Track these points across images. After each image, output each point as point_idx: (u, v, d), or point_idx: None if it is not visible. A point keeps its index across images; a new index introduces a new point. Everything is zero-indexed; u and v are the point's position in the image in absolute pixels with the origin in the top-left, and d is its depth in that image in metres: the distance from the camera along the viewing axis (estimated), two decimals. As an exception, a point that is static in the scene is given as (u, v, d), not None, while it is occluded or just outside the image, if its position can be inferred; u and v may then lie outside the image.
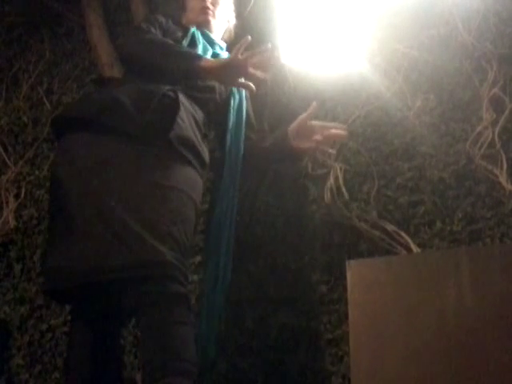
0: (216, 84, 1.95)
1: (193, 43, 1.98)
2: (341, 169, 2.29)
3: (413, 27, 2.34)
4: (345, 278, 1.93)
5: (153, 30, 1.94)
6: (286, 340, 2.18)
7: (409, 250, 2.06)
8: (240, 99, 2.04)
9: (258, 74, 1.78)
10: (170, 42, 1.91)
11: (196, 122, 1.86)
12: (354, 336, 1.83)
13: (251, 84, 1.80)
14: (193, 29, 2.03)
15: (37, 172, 2.95)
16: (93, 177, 1.68)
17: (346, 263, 1.99)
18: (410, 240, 2.09)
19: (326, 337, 2.13)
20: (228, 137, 1.99)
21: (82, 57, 3.10)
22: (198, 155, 1.82)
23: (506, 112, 2.13)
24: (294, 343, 2.17)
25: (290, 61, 2.41)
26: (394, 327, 1.78)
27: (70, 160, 1.74)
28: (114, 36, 3.00)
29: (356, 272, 1.91)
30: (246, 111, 2.06)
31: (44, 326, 2.62)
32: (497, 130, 2.11)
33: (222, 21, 2.17)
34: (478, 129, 2.13)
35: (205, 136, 1.92)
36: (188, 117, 1.82)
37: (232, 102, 2.00)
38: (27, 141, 3.04)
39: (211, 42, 2.06)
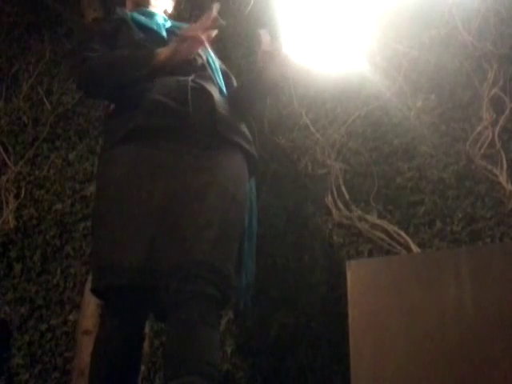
0: (204, 58, 1.96)
1: (142, 27, 1.96)
2: (341, 169, 2.29)
3: (413, 27, 2.34)
4: (345, 277, 1.93)
5: (96, 47, 1.91)
6: (286, 340, 2.18)
7: (409, 249, 2.06)
8: (212, 59, 2.04)
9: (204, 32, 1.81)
10: (118, 53, 1.88)
11: (226, 103, 1.89)
12: (354, 336, 1.83)
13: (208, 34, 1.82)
14: (129, 14, 2.00)
15: (37, 172, 2.95)
16: (147, 182, 1.71)
17: (346, 263, 1.99)
18: (409, 240, 2.09)
19: (326, 337, 2.13)
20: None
21: (82, 57, 3.10)
22: (244, 136, 1.87)
23: (506, 112, 2.13)
24: (293, 343, 2.17)
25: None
26: (393, 327, 1.78)
27: (124, 167, 1.75)
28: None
29: (356, 272, 1.91)
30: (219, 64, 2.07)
31: (44, 326, 2.62)
32: (497, 129, 2.11)
33: (162, 1, 2.13)
34: (478, 129, 2.14)
35: (234, 112, 1.93)
36: (221, 102, 1.86)
37: (212, 64, 2.02)
38: (27, 141, 3.04)
39: (151, 16, 2.04)
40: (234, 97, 1.95)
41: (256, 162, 1.92)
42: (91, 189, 2.76)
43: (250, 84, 1.97)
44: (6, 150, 3.05)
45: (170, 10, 2.17)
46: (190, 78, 1.84)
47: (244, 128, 1.90)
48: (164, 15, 2.11)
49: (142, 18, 1.99)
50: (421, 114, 2.24)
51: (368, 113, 2.33)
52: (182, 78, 1.82)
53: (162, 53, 1.81)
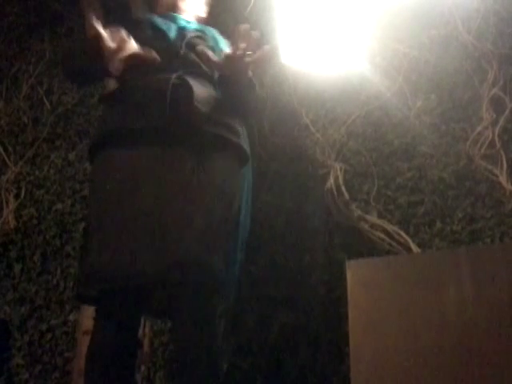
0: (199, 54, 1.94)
1: (155, 27, 1.98)
2: (341, 169, 2.29)
3: (413, 27, 2.34)
4: (345, 278, 1.93)
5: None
6: (286, 340, 2.18)
7: (409, 249, 2.06)
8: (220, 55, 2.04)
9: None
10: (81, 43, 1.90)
11: (212, 96, 1.86)
12: (354, 336, 1.83)
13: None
14: (147, 16, 2.04)
15: (37, 172, 2.95)
16: (131, 184, 1.71)
17: (346, 263, 1.99)
18: (410, 240, 2.09)
19: (326, 337, 2.13)
20: None
21: (82, 57, 3.10)
22: (229, 127, 1.84)
23: (506, 112, 2.13)
24: (293, 343, 2.17)
25: (290, 61, 2.41)
26: (393, 327, 1.78)
27: (109, 173, 1.76)
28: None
29: (356, 272, 1.91)
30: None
31: (44, 326, 2.63)
32: (497, 130, 2.11)
33: (193, 7, 2.14)
34: (478, 129, 2.14)
35: (224, 106, 1.89)
36: (205, 96, 1.83)
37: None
38: (27, 141, 3.04)
39: (173, 18, 2.04)
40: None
41: (244, 153, 1.88)
42: (91, 189, 2.76)
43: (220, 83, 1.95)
44: (5, 150, 3.05)
45: (202, 14, 2.18)
46: (175, 75, 1.82)
47: (232, 121, 1.86)
48: (192, 19, 2.11)
49: (157, 20, 2.00)
50: (421, 114, 2.24)
51: (368, 113, 2.33)
52: (164, 77, 1.80)
53: None
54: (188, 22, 2.06)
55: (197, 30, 2.02)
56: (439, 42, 2.30)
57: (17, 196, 2.93)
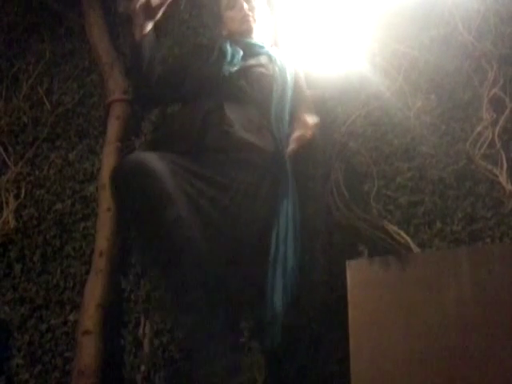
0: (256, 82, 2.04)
1: (222, 52, 2.09)
2: (341, 169, 2.29)
3: (413, 27, 2.34)
4: (345, 277, 1.93)
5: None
6: (286, 340, 2.18)
7: (409, 249, 2.06)
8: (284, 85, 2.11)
9: None
10: None
11: (248, 119, 1.96)
12: (354, 336, 1.83)
13: None
14: (221, 43, 2.15)
15: (37, 172, 2.95)
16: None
17: (346, 263, 1.99)
18: (409, 240, 2.08)
19: (326, 337, 2.13)
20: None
21: (81, 57, 3.10)
22: (256, 148, 1.91)
23: (506, 112, 2.12)
24: (293, 343, 2.17)
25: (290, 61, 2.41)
26: (393, 327, 1.78)
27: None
28: (114, 36, 3.01)
29: (356, 272, 1.91)
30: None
31: (44, 326, 2.63)
32: (497, 130, 2.11)
33: (262, 23, 2.23)
34: (478, 129, 2.13)
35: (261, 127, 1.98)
36: (239, 119, 1.92)
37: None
38: (27, 141, 3.04)
39: (244, 44, 2.13)
40: None
41: (270, 172, 1.95)
42: (91, 189, 2.76)
43: None
44: (5, 150, 3.05)
45: (271, 20, 2.28)
46: (213, 101, 1.92)
47: (259, 139, 1.94)
48: (266, 42, 2.20)
49: (227, 46, 2.10)
50: (421, 114, 2.24)
51: (368, 113, 2.33)
52: (200, 106, 1.94)
53: None
54: (261, 47, 2.15)
55: (263, 55, 2.12)
56: (439, 42, 2.30)
57: (17, 196, 2.93)
